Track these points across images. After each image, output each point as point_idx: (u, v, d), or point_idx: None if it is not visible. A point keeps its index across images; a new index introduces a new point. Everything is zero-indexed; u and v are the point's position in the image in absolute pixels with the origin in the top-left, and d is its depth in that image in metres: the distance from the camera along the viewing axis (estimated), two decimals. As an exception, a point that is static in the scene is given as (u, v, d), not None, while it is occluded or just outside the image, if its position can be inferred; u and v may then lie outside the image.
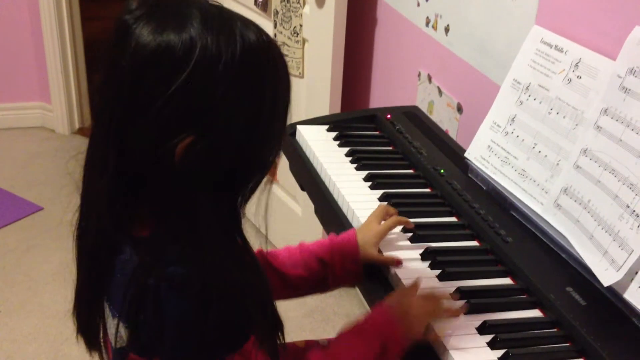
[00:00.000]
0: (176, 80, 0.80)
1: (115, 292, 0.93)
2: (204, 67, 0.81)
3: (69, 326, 2.40)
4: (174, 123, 0.82)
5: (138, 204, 0.89)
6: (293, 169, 1.65)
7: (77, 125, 3.72)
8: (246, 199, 0.96)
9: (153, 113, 0.82)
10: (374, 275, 1.21)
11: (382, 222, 1.24)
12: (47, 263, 2.66)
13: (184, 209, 0.86)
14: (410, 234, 1.25)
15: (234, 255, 0.91)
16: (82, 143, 0.92)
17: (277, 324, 1.03)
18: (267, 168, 0.94)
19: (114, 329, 0.93)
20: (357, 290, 2.56)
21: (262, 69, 0.86)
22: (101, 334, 1.00)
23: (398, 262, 1.17)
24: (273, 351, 0.98)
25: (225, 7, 0.88)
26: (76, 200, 0.95)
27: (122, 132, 0.84)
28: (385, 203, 1.33)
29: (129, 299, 0.88)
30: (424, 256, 1.19)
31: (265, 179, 0.95)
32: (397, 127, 1.63)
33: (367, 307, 1.12)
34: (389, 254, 1.20)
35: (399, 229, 1.26)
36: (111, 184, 0.87)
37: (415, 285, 1.10)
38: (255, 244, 1.12)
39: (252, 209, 0.99)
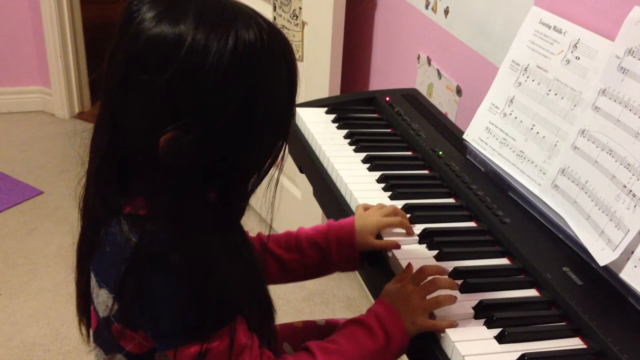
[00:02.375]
0: (163, 74, 0.81)
1: (103, 264, 0.95)
2: (190, 63, 0.82)
3: (69, 309, 2.43)
4: (159, 115, 0.84)
5: (130, 184, 0.91)
6: (292, 151, 1.65)
7: (76, 110, 3.72)
8: (249, 192, 0.97)
9: (140, 103, 0.84)
10: (373, 258, 1.21)
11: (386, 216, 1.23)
12: (47, 246, 2.67)
13: (170, 195, 0.88)
14: (408, 215, 1.25)
15: (222, 242, 0.92)
16: (82, 127, 0.94)
17: (267, 309, 1.04)
18: (266, 166, 0.94)
19: (101, 299, 0.95)
20: (357, 273, 2.56)
21: (254, 71, 0.85)
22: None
23: (396, 246, 1.17)
24: (264, 334, 0.99)
25: (233, 3, 0.87)
26: (76, 184, 0.98)
27: (115, 116, 0.87)
28: (399, 206, 1.28)
29: (115, 273, 0.90)
30: (422, 237, 1.20)
31: (271, 172, 0.96)
32: (396, 109, 1.62)
33: (367, 291, 1.13)
34: (387, 238, 1.20)
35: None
36: (103, 162, 0.90)
37: (408, 271, 1.09)
38: (256, 229, 1.13)
39: (257, 195, 1.00)
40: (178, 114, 0.83)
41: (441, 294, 1.03)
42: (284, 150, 0.95)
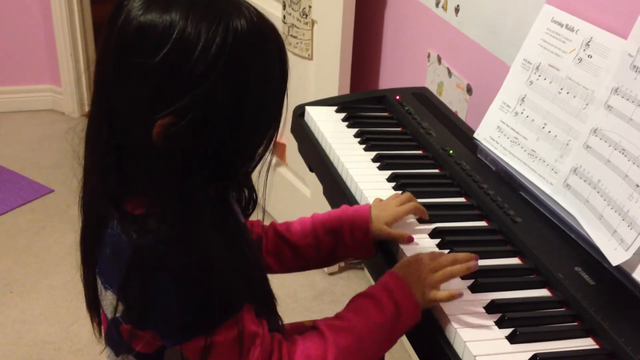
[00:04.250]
0: (153, 60, 0.82)
1: (106, 266, 0.95)
2: (180, 49, 0.82)
3: (79, 307, 2.42)
4: (151, 101, 0.84)
5: (129, 179, 0.90)
6: (302, 150, 1.65)
7: (86, 108, 3.72)
8: (242, 181, 0.97)
9: (133, 89, 0.85)
10: (381, 253, 1.21)
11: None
12: (57, 245, 2.68)
13: (167, 186, 0.88)
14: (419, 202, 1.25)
15: (220, 234, 0.92)
16: (84, 124, 0.94)
17: (268, 301, 1.04)
18: (260, 152, 0.95)
19: (107, 301, 0.96)
20: (366, 272, 2.56)
21: (247, 56, 0.86)
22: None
23: (410, 239, 1.16)
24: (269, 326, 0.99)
25: None
26: (77, 184, 0.98)
27: (110, 106, 0.87)
28: (413, 197, 1.28)
29: (118, 274, 0.90)
30: (433, 236, 1.19)
31: (263, 161, 0.96)
32: (406, 108, 1.62)
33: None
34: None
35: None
36: (103, 156, 0.90)
37: (422, 254, 1.09)
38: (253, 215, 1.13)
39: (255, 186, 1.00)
40: (172, 99, 0.83)
41: (454, 267, 1.04)
42: (277, 134, 0.95)
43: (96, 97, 0.90)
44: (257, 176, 0.99)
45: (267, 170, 0.98)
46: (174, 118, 0.84)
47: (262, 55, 0.88)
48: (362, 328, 0.99)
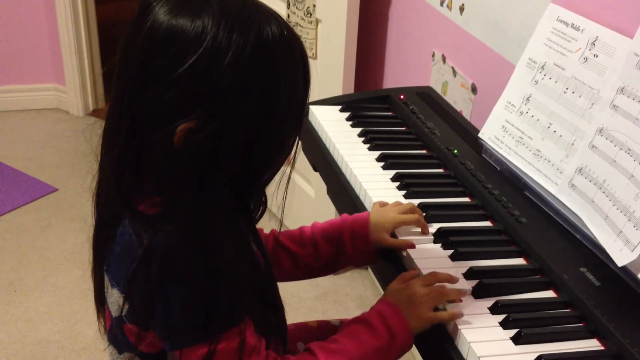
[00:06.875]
0: (182, 65, 0.81)
1: (114, 263, 0.95)
2: (211, 56, 0.82)
3: (83, 306, 2.43)
4: (178, 106, 0.83)
5: (144, 179, 0.90)
6: (306, 149, 1.64)
7: (91, 107, 3.73)
8: (260, 189, 0.97)
9: (158, 93, 0.84)
10: (386, 257, 1.20)
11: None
12: (61, 243, 2.68)
13: (183, 190, 0.87)
14: (423, 214, 1.24)
15: (232, 242, 0.91)
16: (96, 124, 0.94)
17: (278, 311, 1.03)
18: (280, 160, 0.95)
19: (113, 299, 0.95)
20: (370, 272, 2.56)
21: (275, 67, 0.86)
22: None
23: (411, 246, 1.15)
24: (275, 335, 0.99)
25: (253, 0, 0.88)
26: (90, 181, 0.98)
27: (132, 107, 0.86)
28: (416, 203, 1.28)
29: (125, 273, 0.89)
30: (437, 236, 1.19)
31: (282, 169, 0.96)
32: (411, 107, 1.61)
33: (380, 289, 1.12)
34: (402, 236, 1.19)
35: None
36: (120, 154, 0.89)
37: (412, 273, 1.09)
38: (267, 225, 1.13)
39: (269, 192, 1.00)
40: (197, 105, 0.83)
41: (447, 287, 1.03)
42: (297, 146, 0.95)
43: (117, 96, 0.88)
44: (275, 187, 0.98)
45: (287, 184, 0.97)
46: (198, 124, 0.83)
47: (289, 66, 0.88)
48: (355, 353, 0.98)
